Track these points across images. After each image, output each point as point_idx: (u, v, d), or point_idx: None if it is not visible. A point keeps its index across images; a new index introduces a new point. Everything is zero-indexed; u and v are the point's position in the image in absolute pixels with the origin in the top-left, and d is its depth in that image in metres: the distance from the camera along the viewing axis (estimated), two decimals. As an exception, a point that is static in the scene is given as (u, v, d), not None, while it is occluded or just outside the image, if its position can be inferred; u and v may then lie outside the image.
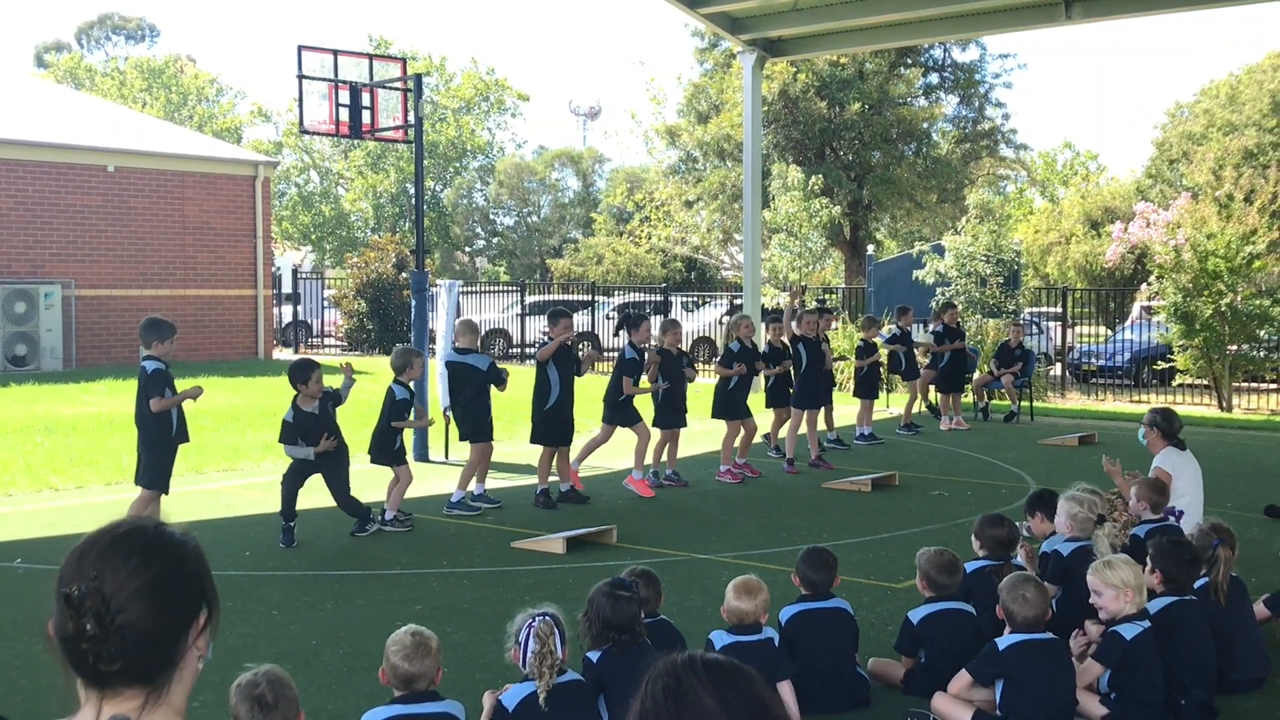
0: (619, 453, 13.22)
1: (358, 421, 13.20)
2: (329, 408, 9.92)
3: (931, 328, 18.77)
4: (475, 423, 11.44)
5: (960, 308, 20.20)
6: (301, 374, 9.80)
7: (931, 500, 12.10)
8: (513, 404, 18.02)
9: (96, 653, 1.95)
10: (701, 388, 15.82)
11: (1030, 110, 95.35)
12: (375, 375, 11.06)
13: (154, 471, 9.22)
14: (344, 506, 10.02)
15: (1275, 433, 17.79)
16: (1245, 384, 21.92)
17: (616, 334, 12.75)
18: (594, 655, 5.33)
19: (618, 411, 12.32)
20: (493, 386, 11.46)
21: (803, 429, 14.19)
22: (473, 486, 11.41)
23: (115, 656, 1.95)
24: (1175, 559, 6.36)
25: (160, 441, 9.19)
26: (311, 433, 9.73)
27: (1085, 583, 6.10)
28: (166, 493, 9.34)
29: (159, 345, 9.22)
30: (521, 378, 12.61)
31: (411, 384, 10.85)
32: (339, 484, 9.97)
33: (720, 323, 29.87)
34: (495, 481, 12.57)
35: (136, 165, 27.55)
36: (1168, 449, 8.58)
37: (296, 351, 32.34)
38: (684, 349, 13.40)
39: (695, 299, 34.70)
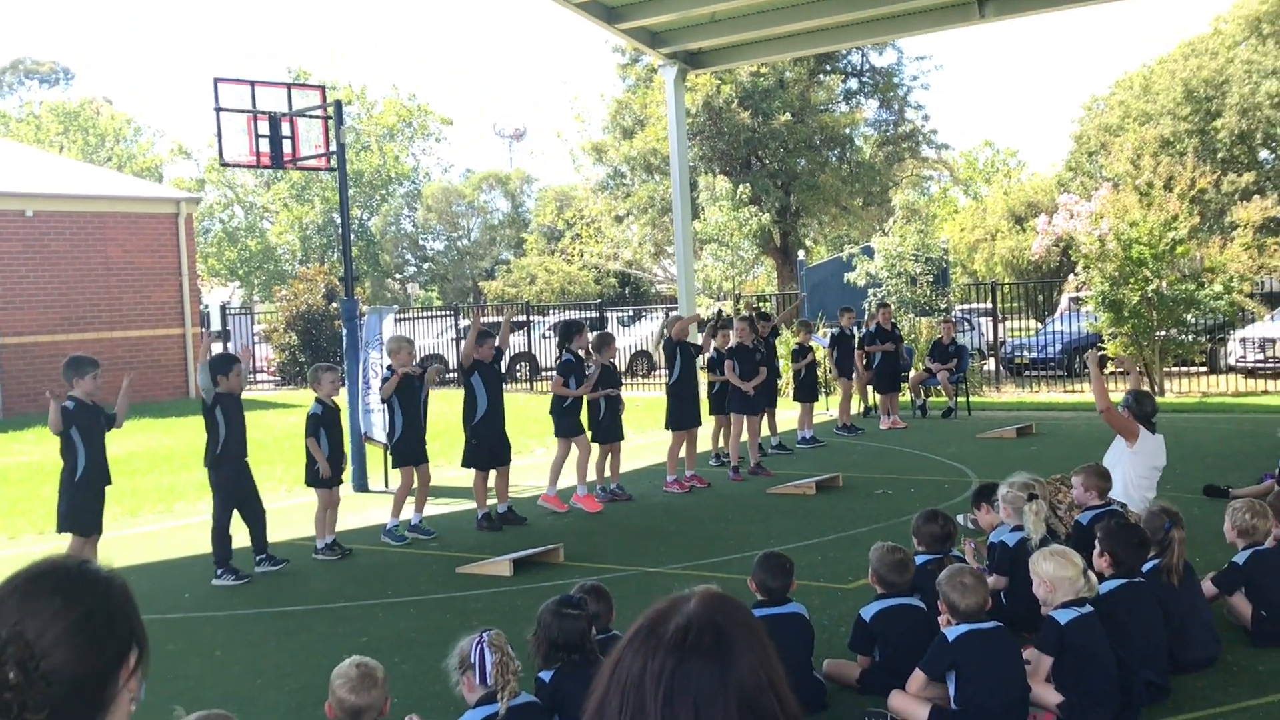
0: (564, 471, 13.13)
1: (296, 455, 13.01)
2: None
3: (864, 329, 18.82)
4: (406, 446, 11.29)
5: (893, 307, 20.32)
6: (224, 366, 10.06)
7: (876, 499, 12.12)
8: (450, 427, 17.89)
9: (21, 702, 1.84)
10: (642, 401, 15.81)
11: (949, 111, 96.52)
12: (307, 406, 10.91)
13: (64, 514, 9.03)
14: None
15: (1207, 414, 18.04)
16: (1176, 368, 22.23)
17: (560, 348, 12.61)
18: (546, 676, 5.25)
19: (564, 420, 12.22)
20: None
21: (745, 435, 14.18)
22: (412, 515, 11.24)
23: (41, 705, 1.85)
24: (1123, 542, 6.39)
25: (69, 484, 8.98)
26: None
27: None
28: (87, 536, 9.05)
29: (80, 383, 9.02)
30: (455, 400, 12.44)
31: (331, 400, 10.65)
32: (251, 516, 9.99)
33: (660, 330, 29.84)
34: (435, 507, 12.45)
35: (56, 209, 27.08)
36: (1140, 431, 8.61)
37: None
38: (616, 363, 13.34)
39: (631, 313, 34.68)
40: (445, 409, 21.53)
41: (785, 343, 19.27)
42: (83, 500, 9.02)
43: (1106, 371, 19.18)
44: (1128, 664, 5.98)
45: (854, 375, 17.75)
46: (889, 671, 6.09)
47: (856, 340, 17.94)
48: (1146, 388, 9.47)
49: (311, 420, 10.45)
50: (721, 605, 1.78)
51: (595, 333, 13.00)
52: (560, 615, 5.23)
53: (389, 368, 11.55)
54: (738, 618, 1.77)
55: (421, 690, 6.63)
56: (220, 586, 9.56)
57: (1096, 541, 6.45)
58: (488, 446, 11.46)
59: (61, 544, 9.57)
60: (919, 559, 6.83)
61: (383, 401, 11.59)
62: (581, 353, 12.41)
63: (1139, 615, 6.23)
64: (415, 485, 11.27)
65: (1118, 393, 11.24)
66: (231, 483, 9.86)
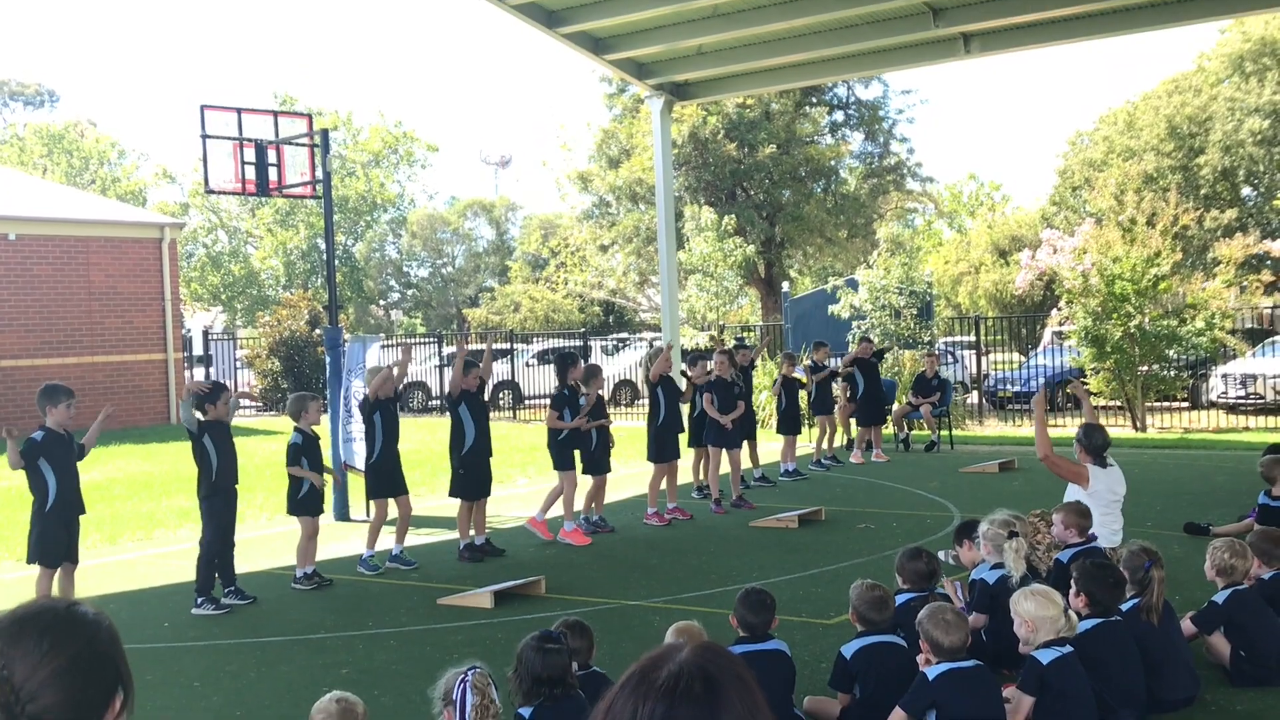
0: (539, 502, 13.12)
1: (277, 483, 12.96)
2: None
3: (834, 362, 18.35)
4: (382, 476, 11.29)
5: (876, 340, 20.36)
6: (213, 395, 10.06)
7: (858, 534, 12.13)
8: (433, 456, 17.86)
9: None
10: (625, 431, 15.82)
11: (934, 144, 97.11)
12: (288, 434, 10.90)
13: (33, 544, 8.93)
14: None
15: (1189, 450, 18.11)
16: (1157, 404, 22.33)
17: (560, 381, 12.59)
18: (526, 712, 5.23)
19: (562, 453, 12.21)
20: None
21: (726, 468, 14.18)
22: (392, 546, 11.20)
23: None
24: (1099, 581, 6.40)
25: (38, 513, 8.89)
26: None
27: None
28: (54, 568, 8.93)
29: (53, 411, 8.95)
30: (440, 429, 12.45)
31: (311, 428, 10.63)
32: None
33: (640, 364, 29.88)
34: (417, 537, 12.42)
35: (39, 232, 27.02)
36: (1091, 465, 8.66)
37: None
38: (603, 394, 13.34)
39: (615, 342, 34.72)
40: (427, 438, 21.52)
41: (769, 374, 19.29)
42: (52, 531, 8.90)
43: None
44: (1107, 703, 5.99)
45: (835, 409, 17.76)
46: (869, 709, 6.08)
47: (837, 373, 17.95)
48: (1097, 419, 9.48)
49: (293, 450, 10.43)
50: (713, 655, 1.81)
51: (584, 364, 12.98)
52: (543, 651, 5.21)
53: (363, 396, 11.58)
54: (728, 667, 1.79)
55: (401, 724, 6.59)
56: (199, 616, 9.51)
57: (1072, 581, 6.47)
58: (476, 477, 11.44)
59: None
60: (902, 596, 6.83)
61: (450, 403, 11.58)
62: (574, 384, 12.42)
63: (1116, 654, 6.24)
64: (395, 516, 11.23)
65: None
66: (222, 511, 9.81)
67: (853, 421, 18.21)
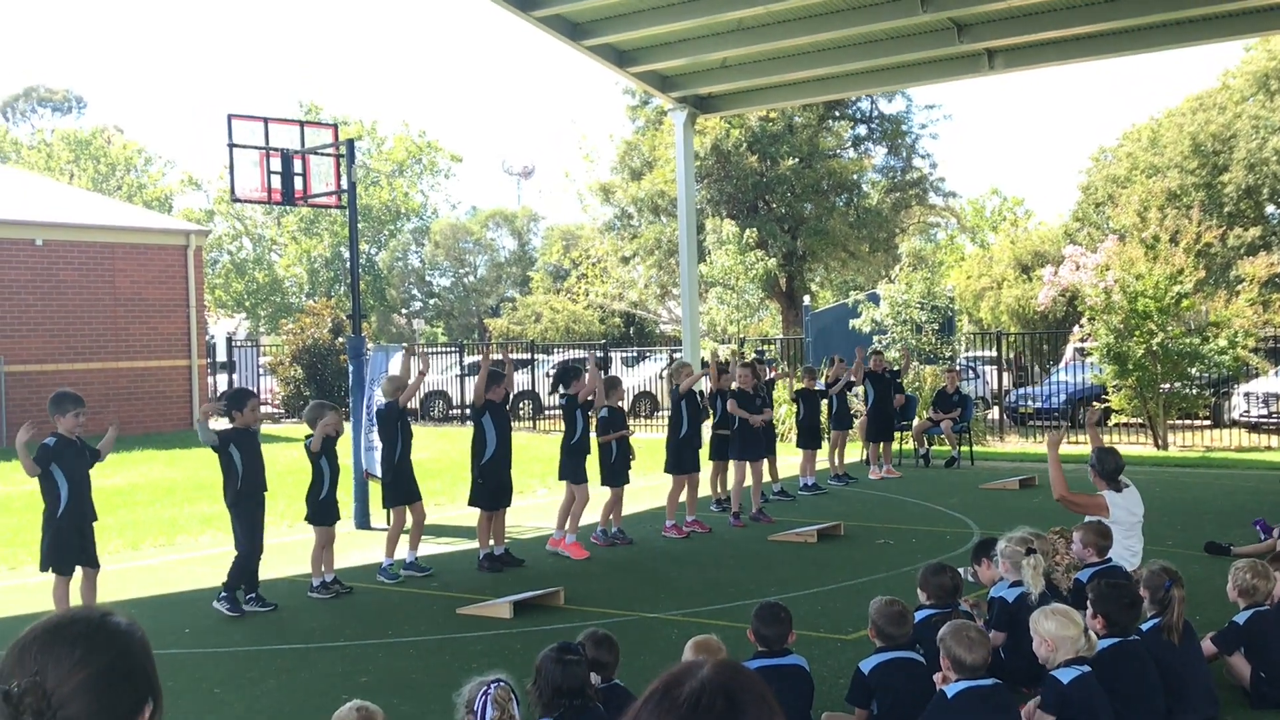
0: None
1: (298, 490, 13.02)
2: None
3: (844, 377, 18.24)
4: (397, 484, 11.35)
5: (886, 355, 20.27)
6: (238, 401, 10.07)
7: (877, 549, 12.12)
8: (453, 465, 17.91)
9: None
10: (644, 443, 15.83)
11: (957, 159, 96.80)
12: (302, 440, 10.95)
13: (45, 551, 8.98)
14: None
15: (1211, 469, 18.03)
16: (1179, 421, 22.24)
17: (553, 390, 12.65)
18: (545, 723, 5.26)
19: (573, 465, 12.22)
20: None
21: (747, 481, 14.19)
22: (403, 554, 11.26)
23: None
24: (1115, 602, 6.39)
25: (49, 520, 8.95)
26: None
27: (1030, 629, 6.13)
28: (65, 575, 8.96)
29: (62, 420, 9.00)
30: (460, 438, 12.49)
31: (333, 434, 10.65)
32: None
33: (660, 376, 29.92)
34: (436, 546, 12.46)
35: (65, 238, 27.22)
36: (1105, 490, 8.66)
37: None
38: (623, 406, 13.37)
39: (635, 354, 34.74)
40: (447, 448, 21.57)
41: (789, 388, 19.26)
42: (64, 537, 8.94)
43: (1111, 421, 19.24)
44: (1126, 724, 5.98)
45: (853, 425, 17.74)
46: (887, 725, 6.08)
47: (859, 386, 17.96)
48: (1107, 443, 9.49)
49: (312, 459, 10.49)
50: (734, 673, 1.83)
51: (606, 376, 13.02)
52: (563, 663, 5.24)
53: (384, 404, 11.64)
54: (750, 686, 1.82)
55: (420, 733, 6.62)
56: (219, 621, 9.56)
57: (1089, 603, 6.46)
58: (495, 487, 11.50)
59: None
60: (924, 612, 6.82)
61: (474, 414, 11.65)
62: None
63: (1134, 674, 6.23)
64: (409, 524, 11.31)
65: (1121, 446, 11.25)
66: (250, 516, 9.86)
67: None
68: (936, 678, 5.84)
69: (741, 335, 26.90)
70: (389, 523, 11.69)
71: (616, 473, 12.59)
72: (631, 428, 13.55)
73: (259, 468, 9.97)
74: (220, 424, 10.53)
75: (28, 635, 1.97)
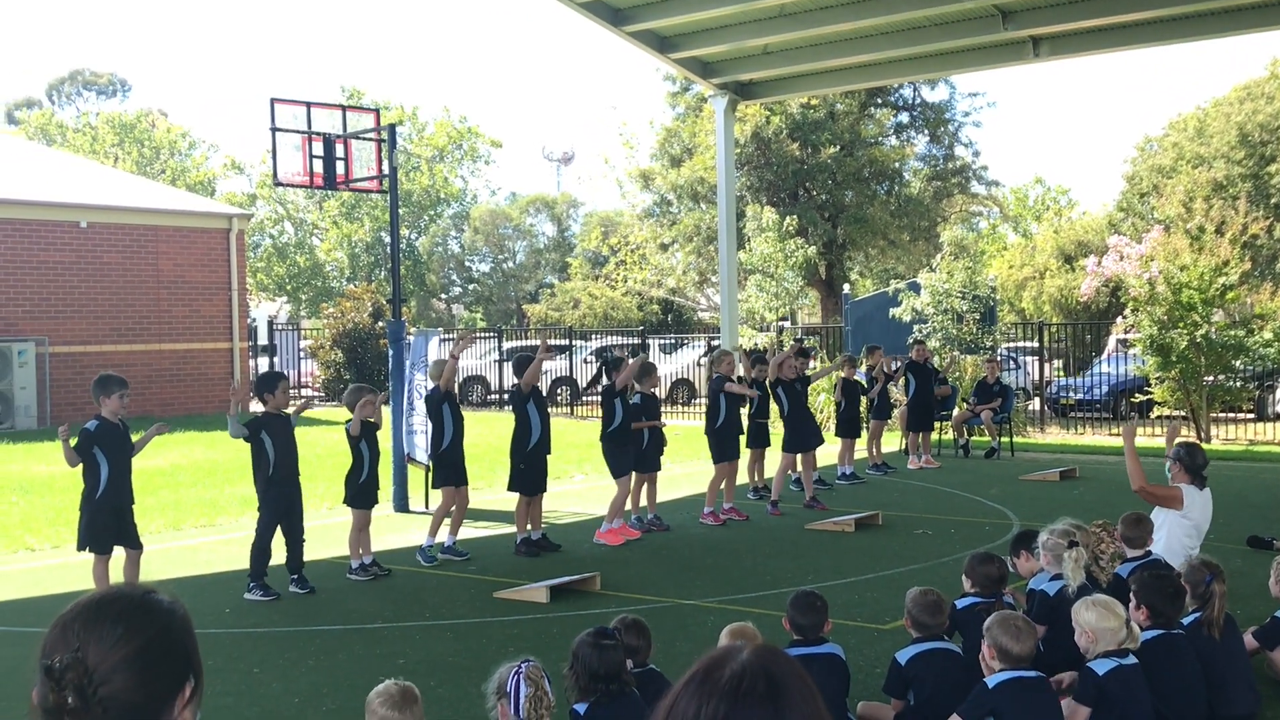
0: (601, 498, 13.16)
1: (338, 473, 13.10)
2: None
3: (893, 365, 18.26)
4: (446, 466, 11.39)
5: (938, 344, 20.20)
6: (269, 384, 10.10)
7: (915, 539, 12.06)
8: (491, 450, 17.97)
9: None
10: (682, 430, 15.83)
11: (1000, 147, 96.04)
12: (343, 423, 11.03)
13: (82, 531, 9.08)
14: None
15: (1254, 463, 17.85)
16: (1223, 414, 22.02)
17: (598, 380, 12.65)
18: (581, 707, 5.26)
19: (617, 458, 12.24)
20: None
21: (797, 469, 14.21)
22: (444, 537, 11.31)
23: None
24: (1159, 593, 6.33)
25: (88, 501, 9.05)
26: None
27: (1070, 621, 6.08)
28: (104, 554, 9.07)
29: (106, 402, 9.07)
30: (498, 423, 12.54)
31: (370, 419, 10.71)
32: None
33: (699, 364, 29.89)
34: (474, 530, 12.51)
35: (109, 220, 27.48)
36: (1188, 485, 8.54)
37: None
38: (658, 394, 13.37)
39: (673, 341, 34.73)
40: (485, 432, 21.63)
41: (830, 377, 19.22)
42: (102, 519, 9.03)
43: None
44: (1165, 717, 5.93)
45: (892, 415, 17.67)
46: (923, 715, 6.05)
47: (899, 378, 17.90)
48: (1192, 439, 9.33)
49: (352, 443, 10.55)
50: (774, 656, 1.83)
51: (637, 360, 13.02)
52: (599, 647, 5.24)
53: (431, 388, 11.70)
54: (790, 669, 1.81)
55: (458, 715, 6.66)
56: (253, 601, 9.64)
57: (1131, 594, 6.40)
58: (536, 472, 11.54)
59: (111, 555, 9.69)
60: (968, 600, 6.78)
61: (514, 402, 11.69)
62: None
63: (1176, 667, 6.17)
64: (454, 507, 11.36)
65: (1162, 439, 11.13)
66: (279, 501, 9.91)
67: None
68: (981, 664, 5.78)
69: (781, 324, 26.70)
70: (427, 506, 11.75)
71: (649, 459, 12.60)
72: (665, 415, 13.56)
73: (292, 454, 9.99)
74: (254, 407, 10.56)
75: (70, 611, 1.99)
